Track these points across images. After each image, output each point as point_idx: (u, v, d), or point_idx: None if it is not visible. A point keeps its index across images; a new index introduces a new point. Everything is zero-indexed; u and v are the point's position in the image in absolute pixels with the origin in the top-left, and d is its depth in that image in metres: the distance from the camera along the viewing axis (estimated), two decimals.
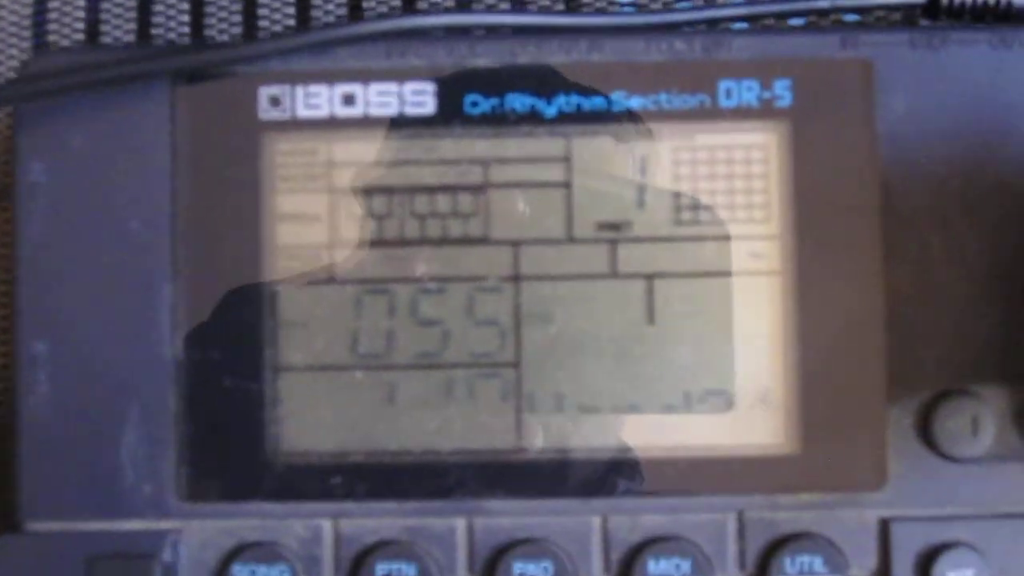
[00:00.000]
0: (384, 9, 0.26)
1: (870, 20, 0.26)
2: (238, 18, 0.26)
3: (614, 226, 0.23)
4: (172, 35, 0.26)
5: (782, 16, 0.25)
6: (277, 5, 0.26)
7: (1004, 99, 0.23)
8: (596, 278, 0.23)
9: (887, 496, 0.23)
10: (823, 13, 0.25)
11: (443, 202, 0.23)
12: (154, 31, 0.26)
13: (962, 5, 0.26)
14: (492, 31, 0.24)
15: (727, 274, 0.23)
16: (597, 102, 0.23)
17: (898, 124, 0.23)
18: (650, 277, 0.23)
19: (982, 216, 0.23)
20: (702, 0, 0.26)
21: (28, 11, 0.26)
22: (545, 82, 0.23)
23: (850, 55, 0.23)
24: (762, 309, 0.23)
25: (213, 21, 0.26)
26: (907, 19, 0.26)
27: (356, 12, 0.26)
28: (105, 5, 0.26)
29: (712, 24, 0.25)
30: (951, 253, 0.23)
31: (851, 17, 0.26)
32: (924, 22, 0.25)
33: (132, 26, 0.26)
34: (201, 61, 0.23)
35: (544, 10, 0.26)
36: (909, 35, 0.23)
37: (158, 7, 0.26)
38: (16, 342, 0.23)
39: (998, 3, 0.26)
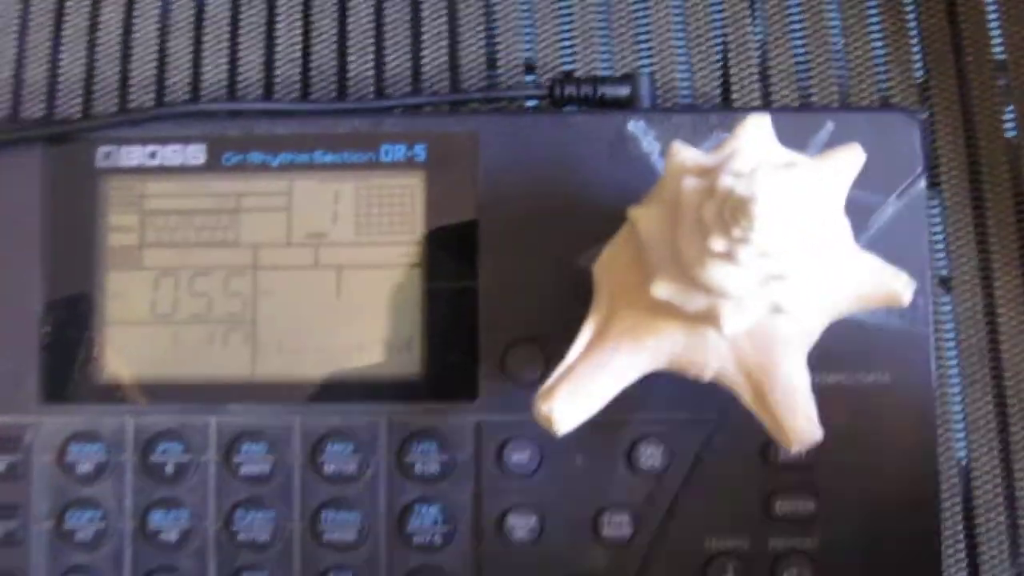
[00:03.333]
0: (178, 98, 0.40)
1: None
2: (78, 102, 0.41)
3: (317, 235, 0.37)
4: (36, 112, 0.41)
5: (434, 104, 0.39)
6: (108, 94, 0.41)
7: (565, 159, 0.36)
8: (306, 268, 0.37)
9: (478, 406, 0.36)
10: (467, 103, 0.39)
11: (210, 219, 0.37)
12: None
13: (571, 95, 0.40)
14: (240, 113, 0.38)
15: (388, 267, 0.37)
16: (306, 157, 0.37)
17: (497, 172, 0.36)
18: (339, 268, 0.37)
19: (548, 234, 0.36)
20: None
21: None
22: (274, 144, 0.37)
23: (463, 129, 0.37)
24: (407, 288, 0.36)
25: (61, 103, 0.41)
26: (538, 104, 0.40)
27: (160, 100, 0.41)
28: None
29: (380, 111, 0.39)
30: (522, 254, 0.36)
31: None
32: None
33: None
34: (61, 129, 0.37)
35: (268, 99, 0.40)
36: (503, 116, 0.37)
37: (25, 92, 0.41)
38: None
39: (595, 95, 0.40)
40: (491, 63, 0.43)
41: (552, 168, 0.36)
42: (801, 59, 0.42)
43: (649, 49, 0.42)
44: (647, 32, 0.43)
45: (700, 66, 0.42)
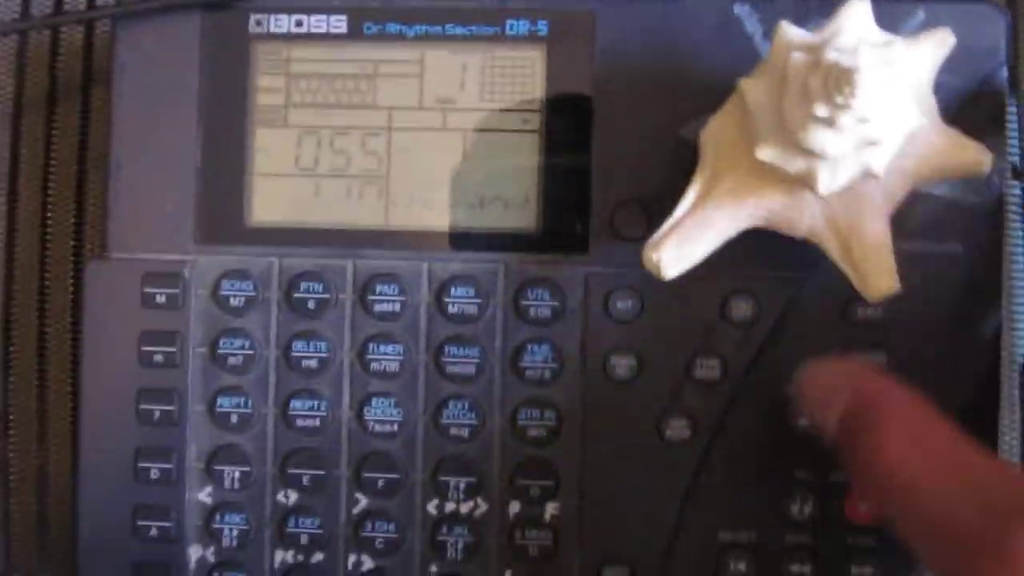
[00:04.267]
0: None
1: None
2: None
3: (446, 100, 0.41)
4: None
5: None
6: None
7: (674, 38, 0.40)
8: (435, 130, 0.41)
9: (588, 259, 0.40)
10: None
11: (349, 83, 0.41)
12: None
13: None
14: None
15: (509, 131, 0.41)
16: (438, 29, 0.41)
17: (611, 48, 0.40)
18: (465, 131, 0.41)
19: (656, 106, 0.40)
20: None
21: None
22: (409, 16, 0.41)
23: (582, 7, 0.40)
24: (526, 151, 0.40)
25: None
26: None
27: None
28: None
29: None
30: (632, 124, 0.40)
31: None
32: None
33: None
34: None
35: None
36: None
37: None
38: (111, 165, 0.41)
39: None
40: None
41: (662, 46, 0.40)
42: None
43: None
44: None
45: None
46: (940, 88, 0.36)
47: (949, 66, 0.36)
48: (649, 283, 0.39)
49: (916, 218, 0.38)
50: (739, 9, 0.40)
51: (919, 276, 0.38)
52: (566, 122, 0.40)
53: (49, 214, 0.47)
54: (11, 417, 0.47)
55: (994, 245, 0.39)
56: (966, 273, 0.39)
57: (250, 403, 0.41)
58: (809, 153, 0.33)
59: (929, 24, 0.39)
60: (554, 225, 0.40)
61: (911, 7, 0.39)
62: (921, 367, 0.39)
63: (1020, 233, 0.43)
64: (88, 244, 0.46)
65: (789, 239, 0.36)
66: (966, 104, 0.39)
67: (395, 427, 0.40)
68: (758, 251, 0.38)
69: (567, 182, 0.40)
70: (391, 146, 0.41)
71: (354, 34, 0.41)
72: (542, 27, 0.40)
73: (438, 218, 0.40)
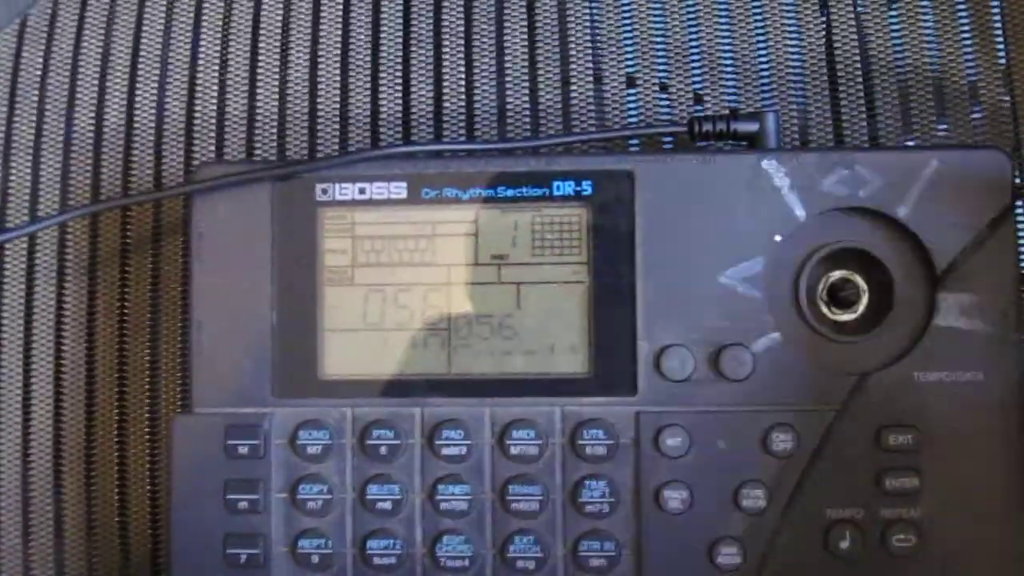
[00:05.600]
0: (369, 142, 0.48)
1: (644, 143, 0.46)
2: (303, 147, 0.48)
3: (500, 256, 0.44)
4: (264, 155, 0.48)
5: (595, 141, 0.46)
6: (328, 138, 0.48)
7: (708, 192, 0.43)
8: (490, 284, 0.44)
9: (637, 400, 0.43)
10: (617, 139, 0.46)
11: (410, 243, 0.45)
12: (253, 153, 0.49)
13: (708, 131, 0.46)
14: (435, 154, 0.45)
15: (560, 283, 0.44)
16: (490, 191, 0.44)
17: (651, 203, 0.44)
18: (518, 284, 0.44)
19: (694, 255, 0.43)
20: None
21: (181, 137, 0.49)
22: (464, 180, 0.44)
23: (622, 167, 0.44)
24: (576, 300, 0.44)
25: (278, 146, 0.48)
26: (677, 140, 0.47)
27: (375, 143, 0.48)
28: (228, 139, 0.49)
29: (551, 148, 0.46)
30: (673, 272, 0.43)
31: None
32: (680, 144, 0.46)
33: (242, 149, 0.49)
34: (288, 170, 0.45)
35: (459, 140, 0.47)
36: (655, 156, 0.44)
37: (257, 138, 0.49)
38: (190, 318, 0.45)
39: (728, 130, 0.46)
40: (630, 83, 0.50)
41: (697, 199, 0.43)
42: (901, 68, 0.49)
43: (770, 83, 0.49)
44: (768, 67, 0.49)
45: (814, 100, 0.49)
46: (954, 228, 0.40)
47: (961, 207, 0.39)
48: (695, 420, 0.42)
49: (941, 351, 0.41)
50: (767, 164, 0.43)
51: (945, 404, 0.42)
52: (611, 273, 0.43)
53: (125, 350, 0.51)
54: (95, 556, 0.50)
55: (1013, 372, 0.42)
56: (989, 398, 0.42)
57: (330, 544, 0.44)
58: None
59: (943, 169, 0.42)
60: (605, 368, 0.43)
61: (926, 156, 0.43)
62: (951, 486, 0.42)
63: None
64: (164, 382, 0.50)
65: None
66: (980, 242, 0.42)
67: (466, 562, 0.43)
68: (795, 386, 0.41)
69: (615, 328, 0.43)
70: (451, 300, 0.44)
71: (413, 199, 0.44)
72: (586, 187, 0.44)
73: (497, 366, 0.44)
